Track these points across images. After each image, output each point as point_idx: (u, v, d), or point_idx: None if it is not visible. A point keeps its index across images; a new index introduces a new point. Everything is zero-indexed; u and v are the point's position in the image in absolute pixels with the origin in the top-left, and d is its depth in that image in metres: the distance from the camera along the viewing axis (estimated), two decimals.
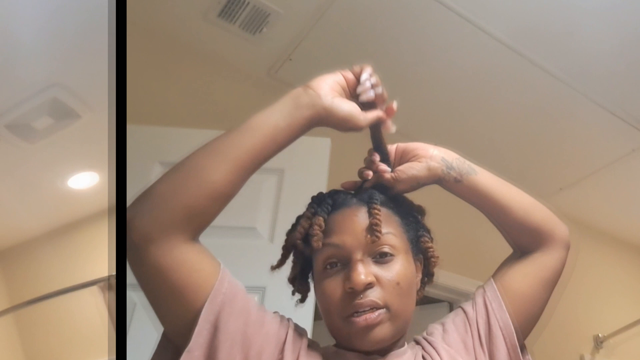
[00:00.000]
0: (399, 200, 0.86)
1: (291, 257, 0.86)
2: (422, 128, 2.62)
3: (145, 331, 1.49)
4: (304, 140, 2.01)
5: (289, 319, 0.81)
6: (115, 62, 1.62)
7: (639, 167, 2.86)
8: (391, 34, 2.15)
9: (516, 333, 0.82)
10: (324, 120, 0.77)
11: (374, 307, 0.74)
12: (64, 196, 2.45)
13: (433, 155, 0.85)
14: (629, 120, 2.53)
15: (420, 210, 0.88)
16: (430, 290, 2.82)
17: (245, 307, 0.74)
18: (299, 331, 0.80)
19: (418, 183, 0.84)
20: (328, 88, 0.78)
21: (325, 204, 0.81)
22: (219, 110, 2.20)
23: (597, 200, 3.14)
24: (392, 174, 0.84)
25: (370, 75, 0.84)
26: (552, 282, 0.87)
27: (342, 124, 0.79)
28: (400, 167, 0.85)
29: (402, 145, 0.87)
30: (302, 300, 0.89)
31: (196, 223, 0.72)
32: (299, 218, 0.84)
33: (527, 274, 0.86)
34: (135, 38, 1.95)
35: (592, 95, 2.40)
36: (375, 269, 0.76)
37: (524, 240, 0.88)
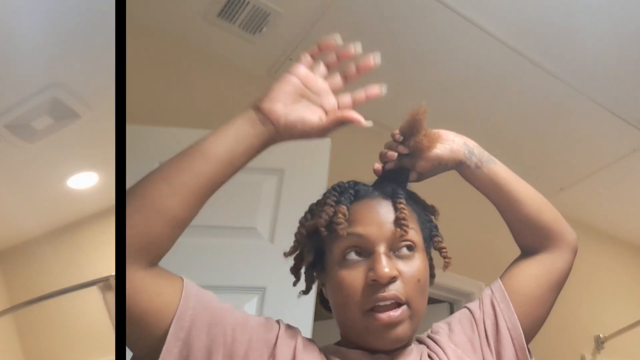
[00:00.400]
0: (413, 198, 0.86)
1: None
2: None
3: None
4: (303, 140, 2.02)
5: (278, 321, 0.79)
6: (115, 62, 1.62)
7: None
8: (391, 33, 2.15)
9: (524, 334, 0.82)
10: (282, 137, 0.76)
11: (396, 302, 0.74)
12: (64, 196, 2.45)
13: (455, 140, 0.87)
14: (629, 120, 2.53)
15: (432, 210, 0.88)
16: (431, 291, 2.83)
17: (220, 317, 0.71)
18: (291, 332, 0.77)
19: (440, 164, 0.85)
20: (281, 106, 0.75)
21: (348, 193, 0.81)
22: (219, 110, 2.20)
23: (598, 200, 3.13)
24: (416, 161, 0.85)
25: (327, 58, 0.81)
26: (559, 285, 0.88)
27: (302, 137, 0.77)
28: (425, 156, 0.85)
29: (427, 130, 0.87)
30: (307, 292, 0.88)
31: (153, 251, 0.70)
32: (317, 205, 0.84)
33: (536, 276, 0.86)
34: (135, 38, 1.95)
35: (592, 95, 2.40)
36: (398, 263, 0.76)
37: (533, 238, 0.88)
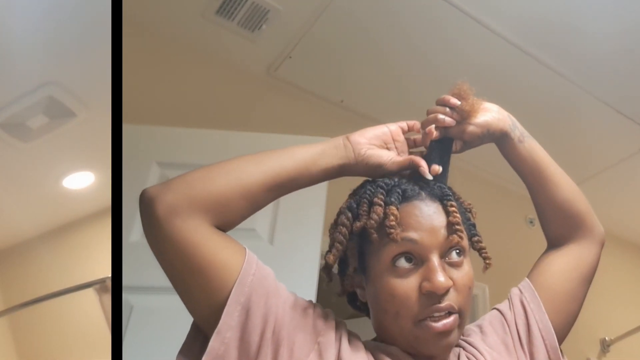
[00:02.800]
0: (454, 197, 0.82)
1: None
2: None
3: (142, 334, 1.47)
4: (303, 140, 1.99)
5: (328, 310, 0.77)
6: (111, 60, 1.60)
7: None
8: (393, 31, 2.13)
9: (556, 334, 0.81)
10: (356, 168, 0.80)
11: (451, 312, 0.72)
12: (59, 196, 2.43)
13: (500, 111, 0.87)
14: (635, 118, 2.51)
15: (470, 209, 0.85)
16: None
17: (275, 290, 0.72)
18: (338, 321, 0.76)
19: (488, 131, 0.84)
20: (365, 141, 0.81)
21: (396, 192, 0.77)
22: (217, 109, 2.18)
23: (604, 200, 3.11)
24: (463, 129, 0.82)
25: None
26: (589, 278, 0.86)
27: (369, 173, 0.82)
28: (472, 125, 0.83)
29: (472, 100, 0.86)
30: (342, 294, 0.85)
31: (223, 216, 0.73)
32: (359, 203, 0.79)
33: (565, 270, 0.85)
34: (132, 36, 1.92)
35: (598, 94, 2.38)
36: (450, 271, 0.74)
37: (564, 227, 0.87)
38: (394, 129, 0.84)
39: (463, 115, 0.82)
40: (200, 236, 0.69)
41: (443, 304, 0.71)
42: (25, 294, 2.34)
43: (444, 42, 2.17)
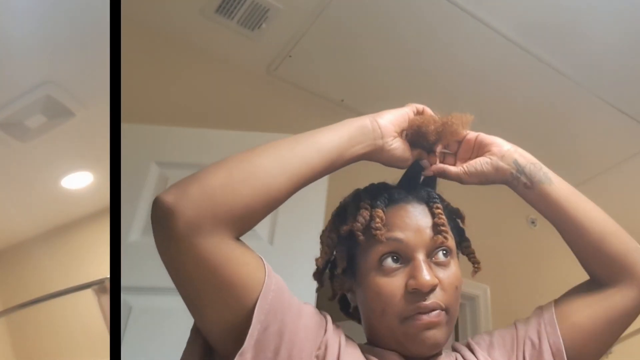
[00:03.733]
0: (442, 202, 0.83)
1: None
2: None
3: (141, 335, 1.46)
4: None
5: (324, 313, 0.77)
6: (109, 59, 1.59)
7: None
8: (393, 30, 2.13)
9: None
10: (376, 157, 0.79)
11: (436, 310, 0.73)
12: (58, 196, 2.43)
13: (505, 155, 0.82)
14: (638, 118, 2.50)
15: (459, 214, 0.85)
16: None
17: (290, 304, 0.71)
18: (336, 326, 0.76)
19: (486, 179, 0.82)
20: (392, 128, 0.79)
21: (382, 196, 0.78)
22: (217, 108, 2.17)
23: (606, 200, 3.08)
24: (461, 168, 0.81)
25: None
26: (620, 325, 0.80)
27: (391, 164, 0.81)
28: (470, 162, 0.82)
29: (482, 136, 0.84)
30: (333, 298, 0.85)
31: (247, 224, 0.71)
32: (346, 209, 0.81)
33: (590, 306, 0.80)
34: (131, 35, 1.91)
35: (600, 93, 2.38)
36: (436, 270, 0.74)
37: (596, 269, 0.81)
38: (409, 112, 0.84)
39: (446, 133, 0.82)
40: (223, 253, 0.67)
41: (428, 302, 0.72)
42: (24, 294, 2.34)
43: (444, 41, 2.16)
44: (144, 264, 1.53)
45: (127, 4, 1.80)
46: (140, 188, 1.65)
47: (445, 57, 2.24)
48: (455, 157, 0.84)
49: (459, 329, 2.49)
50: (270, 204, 0.72)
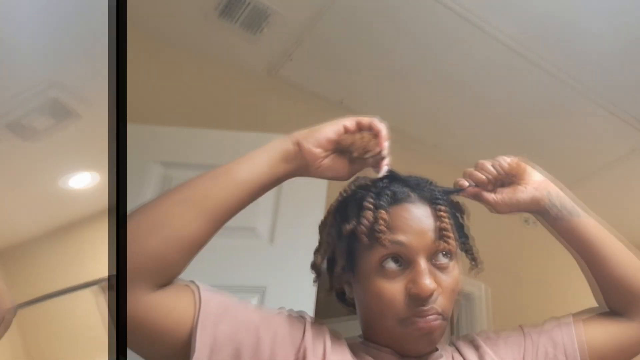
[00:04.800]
0: (445, 199, 0.82)
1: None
2: (422, 128, 2.61)
3: None
4: None
5: (302, 314, 0.77)
6: (115, 62, 1.61)
7: (639, 167, 2.85)
8: (392, 33, 2.14)
9: None
10: (305, 175, 0.77)
11: (435, 315, 0.73)
12: (64, 196, 2.44)
13: (539, 186, 0.82)
14: (628, 120, 2.52)
15: (460, 209, 0.84)
16: None
17: (243, 318, 0.70)
18: (319, 327, 0.75)
19: (520, 209, 0.82)
20: (317, 151, 0.75)
21: (385, 195, 0.76)
22: (219, 110, 2.19)
23: (598, 200, 3.10)
24: (496, 196, 0.81)
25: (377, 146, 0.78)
26: (631, 354, 0.82)
27: (327, 178, 0.78)
28: (506, 191, 0.82)
29: (518, 162, 0.83)
30: (331, 290, 0.85)
31: (167, 276, 0.68)
32: (348, 205, 0.78)
33: (605, 331, 0.82)
34: (136, 38, 1.94)
35: (591, 95, 2.39)
36: (437, 274, 0.73)
37: (615, 301, 0.83)
38: (350, 125, 0.77)
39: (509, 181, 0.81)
40: (144, 308, 0.65)
41: (427, 307, 0.71)
42: (27, 293, 2.36)
43: (442, 42, 2.18)
44: None
45: (132, 8, 1.83)
46: (143, 187, 1.67)
47: (443, 58, 2.26)
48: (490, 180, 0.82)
49: (455, 327, 2.50)
50: (188, 250, 0.69)
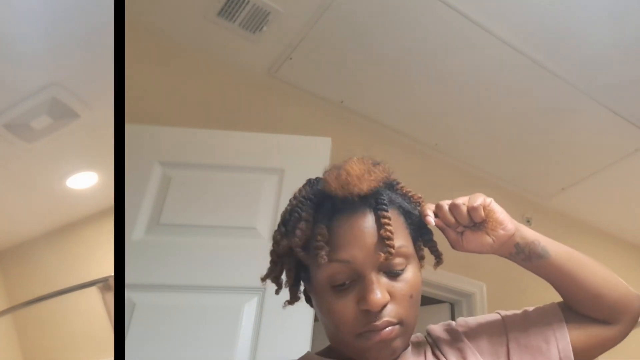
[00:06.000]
0: (399, 195, 0.79)
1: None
2: (423, 128, 2.61)
3: (145, 332, 1.48)
4: (304, 140, 2.00)
5: None
6: (114, 61, 1.61)
7: None
8: (392, 33, 2.14)
9: None
10: None
11: (389, 327, 0.70)
12: (63, 196, 2.44)
13: (507, 242, 0.78)
14: (631, 119, 2.52)
15: (415, 202, 0.80)
16: (431, 291, 2.80)
17: None
18: None
19: (480, 252, 0.79)
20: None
21: (325, 207, 0.73)
22: (219, 109, 2.19)
23: (600, 200, 3.12)
24: (460, 239, 0.78)
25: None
26: (604, 349, 0.83)
27: None
28: (470, 237, 0.77)
29: (493, 210, 0.76)
30: (292, 303, 0.82)
31: None
32: (290, 219, 0.76)
33: (587, 331, 0.81)
34: (135, 37, 1.94)
35: (594, 95, 2.39)
36: (388, 284, 0.71)
37: (591, 314, 0.82)
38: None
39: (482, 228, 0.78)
40: None
41: (379, 322, 0.69)
42: (29, 292, 2.36)
43: (443, 44, 2.17)
44: (148, 261, 1.56)
45: (131, 8, 1.83)
46: (144, 187, 1.67)
47: (443, 59, 2.25)
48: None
49: None
50: None
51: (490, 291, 2.59)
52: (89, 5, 1.63)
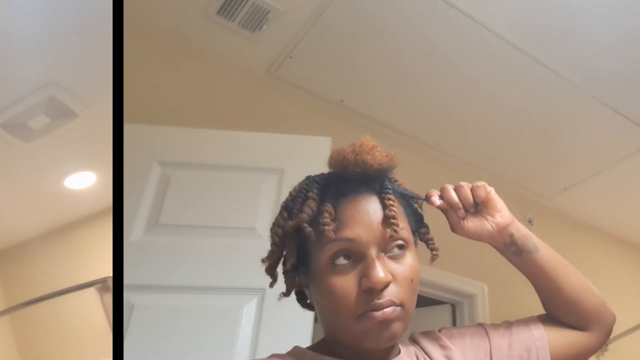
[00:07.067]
0: (399, 189, 0.81)
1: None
2: (424, 126, 2.60)
3: (143, 333, 1.47)
4: (303, 139, 1.99)
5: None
6: (112, 60, 1.60)
7: None
8: (392, 31, 2.13)
9: None
10: None
11: (391, 306, 0.71)
12: (61, 196, 2.44)
13: (504, 230, 0.82)
14: (634, 119, 2.51)
15: (416, 198, 0.83)
16: (432, 292, 2.79)
17: None
18: None
19: (477, 239, 0.82)
20: None
21: (332, 189, 0.76)
22: (218, 109, 2.18)
23: (602, 200, 3.12)
24: (463, 221, 0.81)
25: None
26: (582, 358, 0.86)
27: None
28: (473, 221, 0.81)
29: (493, 196, 0.82)
30: (288, 294, 0.83)
31: None
32: (295, 201, 0.78)
33: (564, 337, 0.85)
34: (134, 36, 1.93)
35: (597, 94, 2.38)
36: (390, 265, 0.72)
37: (567, 319, 0.86)
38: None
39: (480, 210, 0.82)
40: None
41: (382, 300, 0.70)
42: (27, 293, 2.35)
43: (444, 43, 2.17)
44: (146, 262, 1.55)
45: (129, 6, 1.82)
46: (142, 187, 1.66)
47: (443, 58, 2.25)
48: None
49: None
50: None
51: (492, 292, 2.59)
52: (87, 4, 1.62)
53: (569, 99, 2.41)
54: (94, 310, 2.05)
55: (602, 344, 0.87)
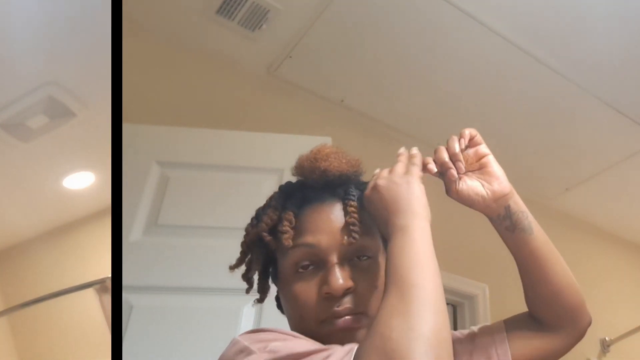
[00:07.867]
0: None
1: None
2: (425, 126, 2.59)
3: (142, 334, 1.47)
4: (303, 139, 1.98)
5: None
6: (111, 60, 1.60)
7: None
8: (392, 30, 2.13)
9: None
10: None
11: (352, 314, 0.70)
12: (59, 196, 2.43)
13: (501, 198, 0.79)
14: (636, 119, 2.51)
15: None
16: None
17: None
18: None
19: (470, 206, 0.79)
20: None
21: (295, 197, 0.77)
22: (218, 108, 2.18)
23: (604, 200, 3.11)
24: (456, 185, 0.78)
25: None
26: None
27: None
28: (468, 184, 0.79)
29: (491, 162, 0.81)
30: (261, 300, 0.83)
31: None
32: (262, 209, 0.80)
33: (529, 343, 0.82)
34: (132, 35, 1.92)
35: (599, 94, 2.38)
36: (352, 272, 0.72)
37: (543, 314, 0.83)
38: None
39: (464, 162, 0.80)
40: None
41: (342, 308, 0.69)
42: (25, 294, 2.34)
43: (443, 42, 2.17)
44: (145, 263, 1.55)
45: (128, 6, 1.81)
46: (141, 188, 1.65)
47: (444, 58, 2.24)
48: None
49: (458, 329, 2.50)
50: None
51: (493, 293, 2.58)
52: (85, 3, 1.61)
53: (571, 99, 2.40)
54: (93, 311, 2.04)
55: (570, 348, 0.84)
